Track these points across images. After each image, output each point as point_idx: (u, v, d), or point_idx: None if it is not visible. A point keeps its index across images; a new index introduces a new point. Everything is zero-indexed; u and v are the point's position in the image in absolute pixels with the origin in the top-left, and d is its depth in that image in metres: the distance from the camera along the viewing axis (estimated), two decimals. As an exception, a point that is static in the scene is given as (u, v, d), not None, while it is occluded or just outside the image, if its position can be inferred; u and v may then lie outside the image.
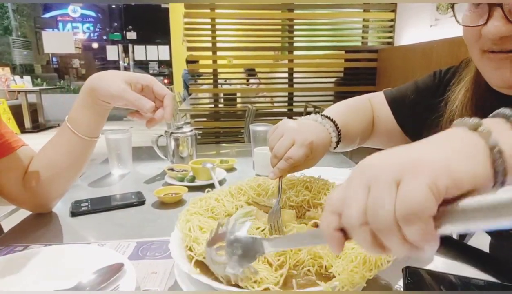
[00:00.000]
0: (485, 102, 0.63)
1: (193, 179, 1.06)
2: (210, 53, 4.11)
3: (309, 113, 3.91)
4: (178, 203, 0.93)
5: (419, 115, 0.79)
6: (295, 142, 0.65)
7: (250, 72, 5.02)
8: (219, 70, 4.30)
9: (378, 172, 0.30)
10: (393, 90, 0.86)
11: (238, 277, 0.45)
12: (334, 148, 0.75)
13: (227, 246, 0.46)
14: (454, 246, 0.64)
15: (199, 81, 4.54)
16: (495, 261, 0.58)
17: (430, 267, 0.60)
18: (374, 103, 0.88)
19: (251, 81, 5.08)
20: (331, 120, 0.75)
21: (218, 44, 4.11)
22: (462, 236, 0.63)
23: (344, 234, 0.33)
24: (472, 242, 0.61)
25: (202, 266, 0.52)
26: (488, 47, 0.56)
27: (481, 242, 0.59)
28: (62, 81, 10.34)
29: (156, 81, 0.76)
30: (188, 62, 4.77)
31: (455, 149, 0.31)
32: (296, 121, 0.71)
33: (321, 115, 0.75)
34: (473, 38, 0.57)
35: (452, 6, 0.59)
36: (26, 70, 10.62)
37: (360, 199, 0.30)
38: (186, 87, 5.75)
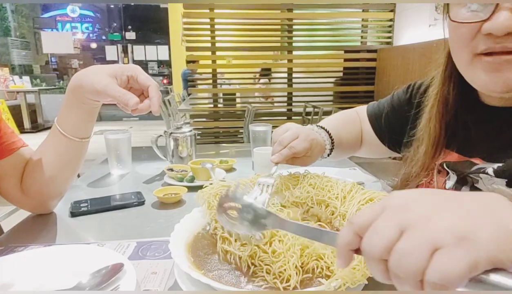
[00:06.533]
0: (451, 117, 0.65)
1: (192, 179, 1.06)
2: (209, 53, 4.11)
3: (308, 113, 3.93)
4: (178, 203, 0.93)
5: (394, 127, 0.83)
6: (299, 137, 0.72)
7: (265, 72, 4.99)
8: (218, 70, 4.30)
9: (418, 226, 0.29)
10: (375, 104, 0.91)
11: (245, 238, 0.49)
12: (328, 155, 0.81)
13: (241, 209, 0.48)
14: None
15: (199, 81, 4.54)
16: None
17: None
18: (360, 116, 0.93)
19: (261, 80, 5.06)
20: (326, 130, 0.82)
21: (217, 44, 4.11)
22: None
23: (356, 251, 0.32)
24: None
25: (202, 266, 0.51)
26: (485, 48, 0.50)
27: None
28: (61, 81, 10.29)
29: (141, 70, 0.71)
30: (188, 62, 4.76)
31: (502, 227, 0.29)
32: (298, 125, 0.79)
33: (317, 126, 0.83)
34: (466, 39, 0.52)
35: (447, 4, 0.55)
36: (25, 70, 10.58)
37: (389, 237, 0.30)
38: (186, 87, 5.74)
